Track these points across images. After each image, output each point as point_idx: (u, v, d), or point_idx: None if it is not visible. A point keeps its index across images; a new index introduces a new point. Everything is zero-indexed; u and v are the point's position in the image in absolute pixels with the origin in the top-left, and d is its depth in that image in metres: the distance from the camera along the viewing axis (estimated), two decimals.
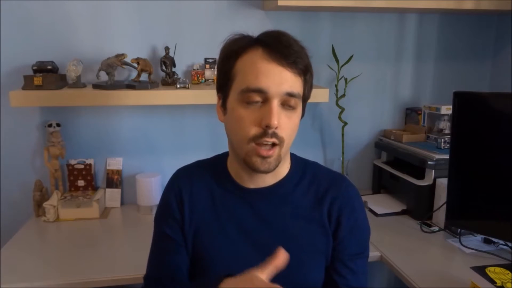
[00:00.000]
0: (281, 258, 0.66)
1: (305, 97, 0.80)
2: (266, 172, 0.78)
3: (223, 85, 0.80)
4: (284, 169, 0.86)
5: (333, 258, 0.84)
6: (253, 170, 0.78)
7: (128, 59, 1.44)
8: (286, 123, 0.76)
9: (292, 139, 0.80)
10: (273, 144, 0.76)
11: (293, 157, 0.90)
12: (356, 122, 1.77)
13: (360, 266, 0.85)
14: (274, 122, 0.72)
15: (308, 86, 0.80)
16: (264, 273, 0.64)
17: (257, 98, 0.74)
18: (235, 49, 0.78)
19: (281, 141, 0.76)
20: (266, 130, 0.74)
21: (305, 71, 0.77)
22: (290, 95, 0.75)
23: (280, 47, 0.74)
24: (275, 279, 0.82)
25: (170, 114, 1.63)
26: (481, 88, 1.84)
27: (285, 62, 0.74)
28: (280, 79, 0.74)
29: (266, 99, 0.74)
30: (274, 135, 0.74)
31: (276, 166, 0.78)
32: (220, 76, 0.81)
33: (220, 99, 0.83)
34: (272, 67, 0.74)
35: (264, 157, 0.76)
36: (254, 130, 0.75)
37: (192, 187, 0.88)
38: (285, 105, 0.75)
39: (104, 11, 1.50)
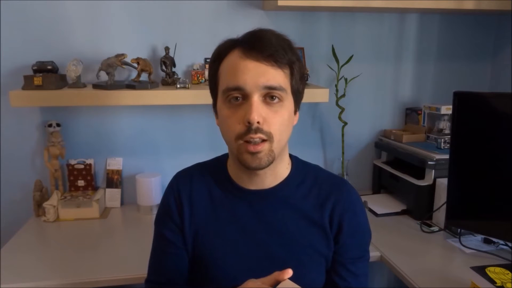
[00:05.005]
0: (285, 275, 0.66)
1: (294, 90, 0.79)
2: (258, 168, 0.76)
3: (212, 88, 0.83)
4: (284, 170, 0.86)
5: (334, 261, 0.84)
6: (246, 167, 0.77)
7: (128, 59, 1.43)
8: (272, 118, 0.74)
9: (285, 135, 0.78)
10: (262, 140, 0.74)
11: (294, 159, 0.90)
12: (356, 122, 1.77)
13: (361, 268, 0.85)
14: (254, 117, 0.72)
15: (296, 79, 0.78)
16: (265, 284, 0.66)
17: (237, 95, 0.74)
18: (218, 53, 0.79)
19: (269, 136, 0.74)
20: (249, 126, 0.73)
21: (289, 64, 0.76)
22: (270, 88, 0.74)
23: (256, 43, 0.74)
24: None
25: (170, 114, 1.63)
26: (481, 88, 1.83)
27: (261, 57, 0.73)
28: (257, 74, 0.73)
29: (246, 96, 0.74)
30: (259, 130, 0.73)
31: (269, 162, 0.76)
32: (209, 80, 0.83)
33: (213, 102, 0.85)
34: (247, 63, 0.74)
35: (253, 153, 0.74)
36: (238, 128, 0.74)
37: (191, 189, 0.87)
38: (268, 98, 0.74)
39: (104, 11, 1.50)
